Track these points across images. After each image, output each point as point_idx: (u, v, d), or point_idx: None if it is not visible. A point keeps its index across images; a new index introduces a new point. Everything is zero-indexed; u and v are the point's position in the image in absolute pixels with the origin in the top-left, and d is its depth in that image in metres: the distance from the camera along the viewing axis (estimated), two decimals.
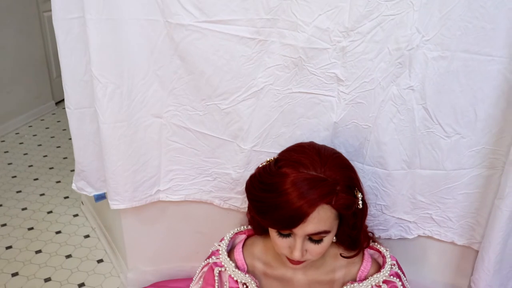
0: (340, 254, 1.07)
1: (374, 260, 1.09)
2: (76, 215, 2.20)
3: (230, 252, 1.12)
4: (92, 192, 1.56)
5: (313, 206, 0.85)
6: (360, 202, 0.94)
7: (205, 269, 1.12)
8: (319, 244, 0.92)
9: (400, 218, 1.37)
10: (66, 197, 2.35)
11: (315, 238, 0.91)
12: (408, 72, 1.20)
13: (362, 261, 1.07)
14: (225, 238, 1.13)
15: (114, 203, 1.43)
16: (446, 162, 1.29)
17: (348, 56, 1.19)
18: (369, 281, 1.03)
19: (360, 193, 0.95)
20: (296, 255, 0.89)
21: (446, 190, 1.33)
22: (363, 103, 1.24)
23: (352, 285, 1.04)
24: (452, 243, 1.42)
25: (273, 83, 1.26)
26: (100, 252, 1.94)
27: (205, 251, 1.65)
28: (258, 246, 1.12)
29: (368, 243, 1.08)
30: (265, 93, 1.28)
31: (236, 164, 1.39)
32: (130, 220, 1.59)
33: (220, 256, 1.10)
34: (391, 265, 1.05)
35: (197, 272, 1.16)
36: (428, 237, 1.42)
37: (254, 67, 1.25)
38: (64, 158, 2.80)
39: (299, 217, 0.86)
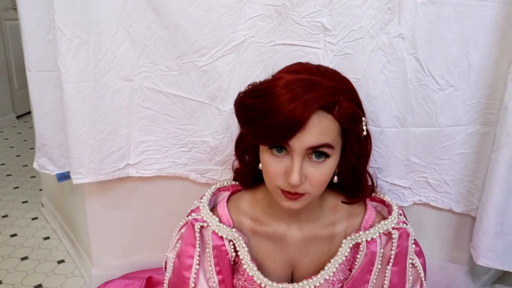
0: (342, 201, 0.96)
1: (378, 212, 0.98)
2: (35, 218, 2.02)
3: (212, 209, 0.98)
4: (54, 171, 1.42)
5: (308, 110, 0.74)
6: (364, 127, 0.84)
7: (183, 229, 0.98)
8: (320, 169, 0.80)
9: (394, 184, 1.28)
10: (25, 202, 2.18)
11: (315, 158, 0.79)
12: (398, 19, 1.14)
13: (365, 211, 0.96)
14: (206, 194, 1.00)
15: (78, 177, 1.29)
16: (440, 117, 1.22)
17: (334, 3, 1.14)
18: (377, 229, 0.92)
19: (363, 117, 0.85)
20: (294, 178, 0.76)
21: (442, 150, 1.26)
22: (352, 53, 1.17)
23: (357, 235, 0.92)
24: (450, 210, 1.33)
25: (254, 35, 1.19)
26: (61, 253, 1.77)
27: None
28: (245, 200, 0.99)
29: (372, 191, 0.98)
30: (246, 47, 1.20)
31: (215, 130, 1.28)
32: (95, 206, 1.45)
33: (201, 211, 0.97)
34: (398, 214, 0.94)
35: (174, 235, 1.02)
36: (424, 204, 1.33)
37: (234, 18, 1.18)
38: (24, 166, 2.62)
39: (294, 123, 0.75)
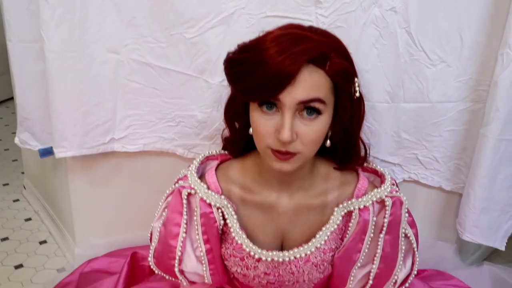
0: (334, 168, 0.94)
1: (371, 182, 0.96)
2: (16, 200, 1.97)
3: (200, 177, 0.96)
4: (36, 146, 1.38)
5: (297, 62, 0.72)
6: (357, 88, 0.83)
7: (170, 198, 0.96)
8: (312, 127, 0.77)
9: (384, 160, 1.27)
10: (6, 184, 2.12)
11: (307, 115, 0.76)
12: None
13: (357, 180, 0.95)
14: (194, 162, 0.98)
15: (60, 150, 1.26)
16: (431, 93, 1.22)
17: None
18: (369, 197, 0.90)
19: (356, 77, 0.83)
20: (285, 134, 0.74)
21: (432, 126, 1.25)
22: (343, 27, 1.15)
23: (349, 202, 0.91)
24: (440, 188, 1.33)
25: (245, 6, 1.16)
26: (43, 234, 1.72)
27: None
28: (234, 168, 0.97)
29: (365, 158, 0.96)
30: (236, 19, 1.17)
31: (203, 103, 1.26)
32: (79, 183, 1.41)
33: (189, 179, 0.94)
34: (391, 184, 0.93)
35: (160, 204, 0.99)
36: (414, 182, 1.32)
37: None
38: (6, 149, 2.55)
39: (283, 76, 0.73)
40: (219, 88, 1.23)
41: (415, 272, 0.97)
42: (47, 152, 1.38)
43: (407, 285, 0.98)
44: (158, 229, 0.96)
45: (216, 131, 1.28)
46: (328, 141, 0.86)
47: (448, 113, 1.24)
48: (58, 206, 1.65)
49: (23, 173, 2.16)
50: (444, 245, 1.36)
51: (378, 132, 1.24)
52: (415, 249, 0.95)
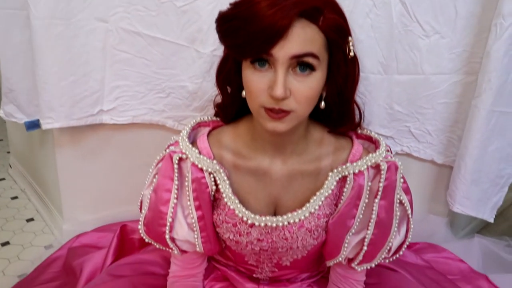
0: (328, 131, 0.93)
1: (365, 149, 0.94)
2: (2, 179, 1.94)
3: (192, 144, 0.93)
4: (22, 119, 1.34)
5: (288, 15, 0.70)
6: (352, 47, 0.81)
7: (161, 164, 0.93)
8: (305, 83, 0.75)
9: (377, 133, 1.23)
10: None
11: (300, 71, 0.74)
12: None
13: (352, 146, 0.93)
14: (185, 128, 0.95)
15: (47, 122, 1.22)
16: (425, 65, 1.20)
17: None
18: (364, 161, 0.89)
19: (350, 36, 0.81)
20: (278, 90, 0.72)
21: (425, 99, 1.24)
22: None
23: (344, 167, 0.89)
24: (432, 161, 1.33)
25: None
26: (30, 211, 1.69)
27: None
28: (226, 134, 0.95)
29: (359, 123, 0.94)
30: None
31: (194, 74, 1.23)
32: (66, 158, 1.38)
33: (180, 144, 0.92)
34: (385, 150, 0.91)
35: (150, 171, 0.96)
36: (407, 155, 1.32)
37: None
38: None
39: (275, 30, 0.71)
40: (210, 58, 1.20)
41: (409, 240, 0.96)
42: (33, 125, 1.34)
43: (401, 253, 0.97)
44: (149, 196, 0.94)
45: (207, 102, 1.26)
46: (323, 103, 0.84)
47: (441, 85, 1.23)
48: (45, 182, 1.62)
49: (8, 152, 2.12)
50: (435, 218, 1.36)
51: (370, 104, 1.23)
52: (410, 216, 0.94)
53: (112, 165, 1.40)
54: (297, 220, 0.88)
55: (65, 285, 1.17)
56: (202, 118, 0.99)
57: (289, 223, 0.88)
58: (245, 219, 0.88)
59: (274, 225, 0.88)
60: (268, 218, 0.88)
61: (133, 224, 1.26)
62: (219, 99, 0.99)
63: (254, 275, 1.04)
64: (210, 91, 1.26)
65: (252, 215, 0.88)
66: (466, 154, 1.23)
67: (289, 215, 0.88)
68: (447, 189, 1.33)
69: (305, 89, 0.76)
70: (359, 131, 0.98)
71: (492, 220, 1.34)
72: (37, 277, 1.24)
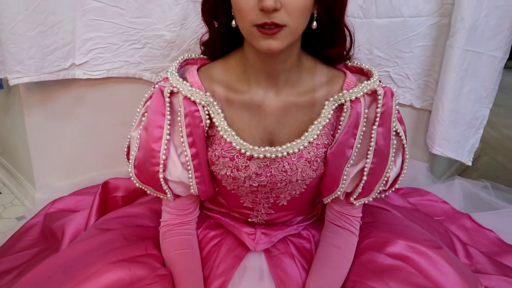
0: (319, 58, 0.88)
1: (358, 79, 0.90)
2: None
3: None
4: None
5: None
6: None
7: (149, 102, 0.86)
8: None
9: None
10: None
11: None
12: None
13: (345, 77, 0.89)
14: (172, 65, 0.88)
15: (15, 76, 1.11)
16: (403, 7, 1.19)
17: None
18: (360, 88, 0.85)
19: None
20: (268, 1, 0.68)
21: (404, 42, 1.23)
22: None
23: (340, 94, 0.85)
24: (411, 106, 1.33)
25: None
26: None
27: None
28: (216, 68, 0.89)
29: (350, 47, 0.90)
30: None
31: (171, 22, 1.16)
32: (36, 120, 1.26)
33: (170, 78, 0.85)
34: (378, 79, 0.87)
35: (138, 111, 0.88)
36: None
37: None
38: None
39: None
40: (188, 3, 1.13)
41: (405, 171, 0.94)
42: None
43: (396, 186, 0.95)
44: (138, 136, 0.86)
45: (186, 52, 1.19)
46: (315, 23, 0.79)
47: (418, 28, 1.22)
48: (12, 151, 1.49)
49: None
50: (416, 163, 1.35)
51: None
52: (405, 146, 0.91)
53: (86, 125, 1.30)
54: (296, 150, 0.83)
55: (47, 249, 1.08)
56: (189, 55, 0.92)
57: (288, 153, 0.83)
58: (243, 151, 0.83)
59: (273, 156, 0.83)
60: (267, 148, 0.83)
61: (116, 181, 1.17)
62: (205, 37, 0.92)
63: (249, 220, 0.98)
64: (189, 39, 1.19)
65: (251, 146, 0.83)
66: (443, 95, 1.23)
67: (288, 145, 0.83)
68: (425, 135, 1.33)
69: (296, 1, 0.71)
70: (349, 64, 0.93)
71: (470, 163, 1.35)
72: (13, 245, 1.13)
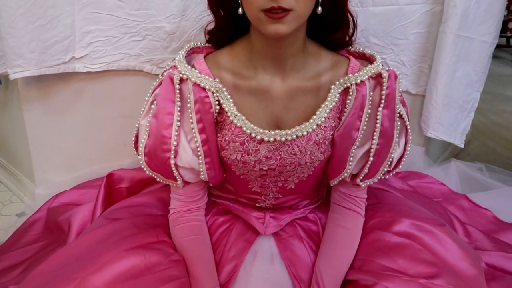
0: (324, 39, 0.90)
1: (361, 64, 0.92)
2: None
3: None
4: None
5: None
6: None
7: (158, 89, 0.86)
8: None
9: None
10: None
11: None
12: None
13: (349, 61, 0.91)
14: (179, 53, 0.89)
15: (16, 70, 1.11)
16: None
17: None
18: (365, 71, 0.87)
19: None
20: None
21: (399, 29, 1.25)
22: None
23: (346, 78, 0.87)
24: (407, 92, 1.35)
25: None
26: None
27: None
28: (223, 55, 0.90)
29: (354, 32, 0.92)
30: None
31: (171, 13, 1.17)
32: (35, 114, 1.26)
33: (178, 66, 0.86)
34: (381, 63, 0.90)
35: (146, 99, 0.89)
36: None
37: None
38: None
39: None
40: None
41: (408, 152, 0.96)
42: None
43: (400, 166, 0.97)
44: (148, 124, 0.86)
45: (186, 43, 1.18)
46: (320, 7, 0.81)
47: (413, 15, 1.24)
48: (11, 148, 1.48)
49: None
50: (414, 147, 1.37)
51: None
52: (408, 127, 0.94)
53: (86, 118, 1.30)
54: (305, 133, 0.85)
55: (53, 242, 1.08)
56: (196, 44, 0.93)
57: (297, 136, 0.85)
58: (253, 135, 0.84)
59: (283, 139, 0.85)
60: (277, 132, 0.85)
61: (120, 172, 1.17)
62: (210, 26, 0.93)
63: (257, 204, 1.00)
64: (189, 30, 1.20)
65: (261, 130, 0.84)
66: (437, 79, 1.26)
67: (297, 127, 0.85)
68: (421, 117, 1.36)
69: None
70: (351, 49, 0.95)
71: (462, 145, 1.39)
72: (17, 241, 1.13)
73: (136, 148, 0.94)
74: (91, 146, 1.34)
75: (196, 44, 0.93)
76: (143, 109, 0.90)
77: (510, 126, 2.22)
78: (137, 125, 0.91)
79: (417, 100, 1.36)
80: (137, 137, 0.92)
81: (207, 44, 0.94)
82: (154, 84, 0.88)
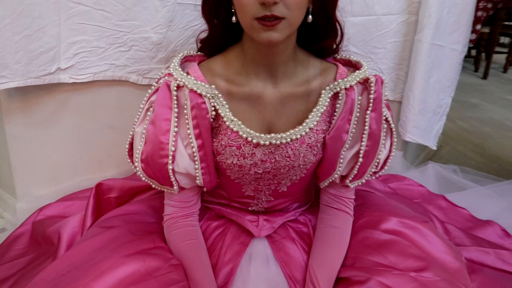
0: (313, 47, 0.95)
1: (348, 70, 0.98)
2: None
3: None
4: None
5: None
6: None
7: (154, 96, 0.89)
8: None
9: None
10: None
11: None
12: None
13: (337, 68, 0.97)
14: (173, 61, 0.92)
15: (2, 81, 1.10)
16: (376, 6, 1.29)
17: None
18: (353, 77, 0.92)
19: None
20: None
21: (377, 38, 1.32)
22: None
23: (335, 83, 0.92)
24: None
25: None
26: None
27: (120, 154, 1.37)
28: (216, 63, 0.94)
29: (341, 40, 0.97)
30: None
31: (157, 24, 1.19)
32: (17, 127, 1.25)
33: (174, 73, 0.89)
34: (367, 68, 0.96)
35: (141, 107, 0.91)
36: None
37: None
38: None
39: None
40: (174, 6, 1.17)
41: (393, 153, 1.02)
42: None
43: (386, 168, 1.02)
44: (143, 131, 0.88)
45: (172, 53, 1.22)
46: (310, 16, 0.86)
47: (390, 25, 1.32)
48: None
49: None
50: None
51: None
52: (393, 130, 0.99)
53: (70, 130, 1.30)
54: (298, 136, 0.89)
55: (41, 255, 1.07)
56: (188, 52, 0.96)
57: (291, 140, 0.89)
58: (249, 139, 0.88)
59: (278, 142, 0.89)
60: (272, 135, 0.89)
61: (109, 182, 1.18)
62: (202, 35, 0.97)
63: (249, 208, 1.03)
64: (175, 41, 1.23)
65: (257, 134, 0.88)
66: (413, 85, 1.34)
67: (291, 131, 0.90)
68: (398, 122, 1.44)
69: None
70: (337, 56, 1.01)
71: (435, 147, 1.47)
72: (2, 256, 1.11)
73: (130, 156, 0.95)
74: (74, 158, 1.34)
75: (189, 52, 0.96)
76: (137, 117, 0.92)
77: (476, 132, 2.35)
78: (131, 133, 0.93)
79: (394, 106, 1.43)
80: (131, 144, 0.94)
81: (198, 53, 0.98)
82: (150, 91, 0.90)
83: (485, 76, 4.01)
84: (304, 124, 0.90)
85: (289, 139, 0.89)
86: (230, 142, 0.89)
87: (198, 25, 1.24)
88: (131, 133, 0.94)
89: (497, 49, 4.28)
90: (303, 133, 0.90)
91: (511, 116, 2.74)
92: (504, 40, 5.55)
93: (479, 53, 4.29)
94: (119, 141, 1.36)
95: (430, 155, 1.82)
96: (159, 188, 0.94)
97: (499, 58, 4.56)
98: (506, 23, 4.26)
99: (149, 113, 0.89)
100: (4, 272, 1.05)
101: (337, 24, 0.93)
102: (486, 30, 3.99)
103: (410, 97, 1.35)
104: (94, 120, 1.31)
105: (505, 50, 4.51)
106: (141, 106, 0.91)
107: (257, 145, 0.89)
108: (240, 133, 0.88)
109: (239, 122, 0.88)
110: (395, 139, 1.01)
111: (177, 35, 1.22)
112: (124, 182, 1.20)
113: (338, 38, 0.96)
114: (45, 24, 1.13)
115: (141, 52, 1.22)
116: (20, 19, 1.08)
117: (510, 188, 1.41)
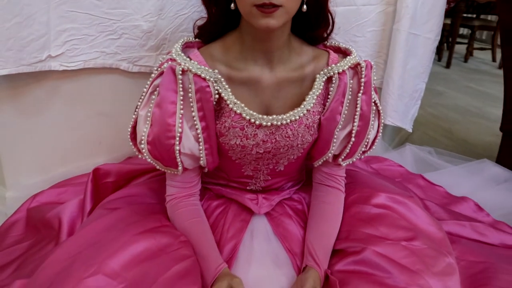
0: (306, 35, 1.03)
1: (339, 56, 1.06)
2: None
3: None
4: None
5: None
6: None
7: (158, 80, 0.93)
8: None
9: None
10: None
11: None
12: None
13: (328, 54, 1.04)
14: (175, 46, 0.97)
15: None
16: None
17: None
18: (345, 62, 1.00)
19: None
20: None
21: (357, 28, 1.41)
22: None
23: (329, 68, 1.00)
24: None
25: None
26: None
27: (110, 140, 1.40)
28: (216, 48, 0.99)
29: (332, 29, 1.05)
30: None
31: (148, 12, 1.23)
32: (6, 115, 1.24)
33: (178, 59, 0.94)
34: (356, 54, 1.04)
35: (144, 90, 0.95)
36: None
37: None
38: None
39: None
40: None
41: (381, 134, 1.11)
42: None
43: (374, 147, 1.11)
44: (148, 114, 0.93)
45: (162, 41, 1.26)
46: (305, 6, 0.94)
47: (369, 15, 1.41)
48: None
49: None
50: None
51: None
52: (380, 111, 1.08)
53: (59, 118, 1.31)
54: (297, 118, 0.97)
55: (41, 240, 1.10)
56: (188, 38, 1.01)
57: (291, 120, 0.97)
58: (252, 120, 0.94)
59: (279, 123, 0.96)
60: (274, 116, 0.95)
61: (106, 167, 1.21)
62: (200, 22, 1.02)
63: (247, 188, 1.10)
64: (165, 29, 1.27)
65: (260, 116, 0.95)
66: (392, 72, 1.44)
67: (291, 112, 0.97)
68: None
69: None
70: (327, 43, 1.09)
71: (410, 130, 1.59)
72: None
73: (132, 139, 0.99)
74: (64, 146, 1.35)
75: (189, 39, 1.01)
76: (140, 101, 0.96)
77: (444, 117, 2.51)
78: (134, 116, 0.97)
79: None
80: (133, 128, 0.98)
81: (196, 39, 1.03)
82: (152, 76, 0.94)
83: (448, 65, 4.23)
84: (302, 106, 0.97)
85: (288, 120, 0.97)
86: (233, 123, 0.95)
87: (188, 13, 1.28)
88: (133, 116, 0.97)
89: (458, 39, 4.51)
90: (301, 114, 0.97)
91: (475, 102, 2.93)
92: (463, 31, 5.83)
93: (441, 43, 4.50)
94: (110, 128, 1.40)
95: (403, 139, 1.95)
96: (163, 170, 0.99)
97: (460, 49, 4.81)
98: (465, 15, 4.50)
99: (153, 97, 0.93)
100: (4, 258, 1.07)
101: (329, 14, 1.01)
102: (448, 21, 4.19)
103: (389, 83, 1.45)
104: (84, 108, 1.33)
105: (465, 40, 4.75)
106: (144, 90, 0.96)
107: (260, 126, 0.96)
108: (244, 115, 0.94)
109: (242, 105, 0.94)
110: (383, 120, 1.10)
111: (167, 23, 1.26)
112: (121, 166, 1.23)
113: (330, 27, 1.04)
114: (35, 11, 1.14)
115: (131, 40, 1.25)
116: (10, 6, 1.09)
117: (480, 168, 1.54)
